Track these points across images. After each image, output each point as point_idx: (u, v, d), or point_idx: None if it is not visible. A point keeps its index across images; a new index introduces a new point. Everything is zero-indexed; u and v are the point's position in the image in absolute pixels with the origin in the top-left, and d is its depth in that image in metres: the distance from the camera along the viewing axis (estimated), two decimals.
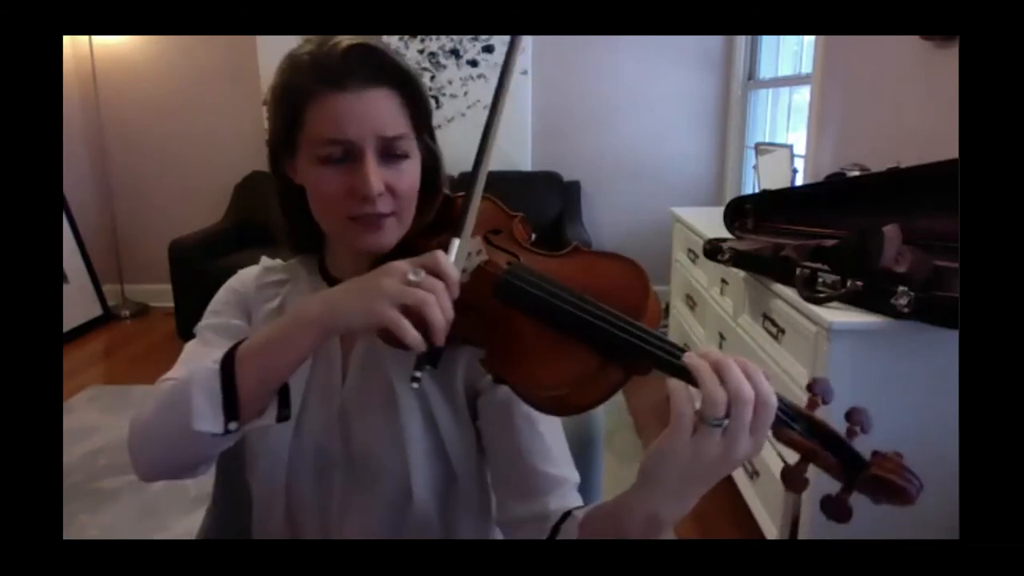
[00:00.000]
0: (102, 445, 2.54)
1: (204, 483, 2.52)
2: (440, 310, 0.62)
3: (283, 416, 0.70)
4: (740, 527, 1.95)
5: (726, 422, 0.54)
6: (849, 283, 1.44)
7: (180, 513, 2.14)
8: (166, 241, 3.36)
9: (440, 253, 0.66)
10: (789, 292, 1.57)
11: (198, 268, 3.30)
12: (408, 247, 0.77)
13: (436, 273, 0.64)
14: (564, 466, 0.79)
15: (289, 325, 0.67)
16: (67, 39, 3.93)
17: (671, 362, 0.59)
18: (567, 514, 0.74)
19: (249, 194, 3.85)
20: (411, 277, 0.63)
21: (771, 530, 1.66)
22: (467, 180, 0.75)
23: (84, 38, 3.80)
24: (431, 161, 0.81)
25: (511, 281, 0.69)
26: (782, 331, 1.65)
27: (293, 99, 0.74)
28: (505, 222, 0.82)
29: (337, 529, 0.84)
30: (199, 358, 0.76)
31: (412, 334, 0.61)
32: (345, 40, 0.72)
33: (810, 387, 0.60)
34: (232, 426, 0.67)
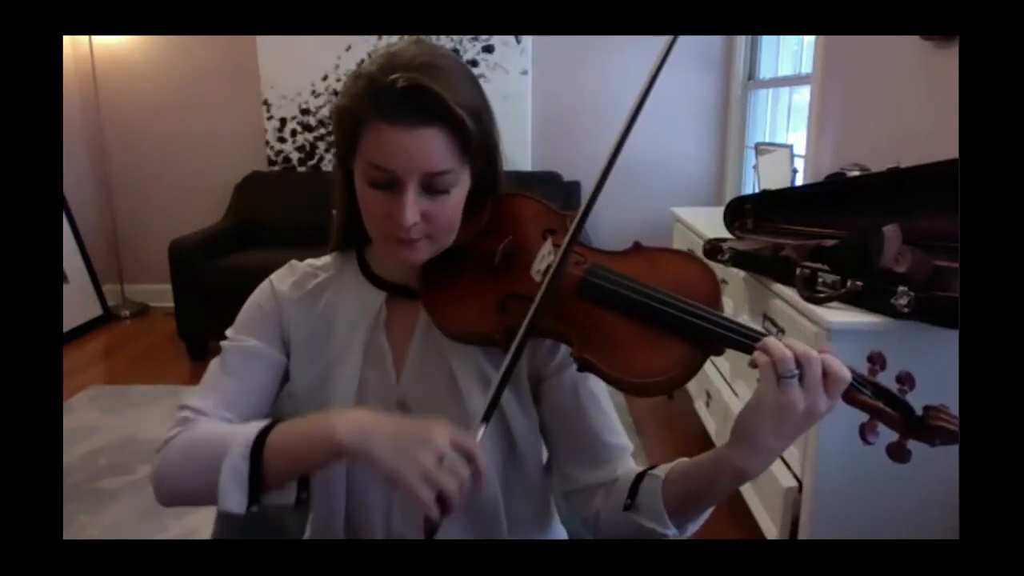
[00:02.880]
0: (102, 445, 2.53)
1: None
2: (459, 496, 0.67)
3: (301, 500, 0.75)
4: (740, 527, 1.95)
5: (798, 372, 0.66)
6: (849, 283, 1.44)
7: (180, 513, 2.13)
8: (166, 241, 3.36)
9: (478, 449, 0.70)
10: (789, 292, 1.57)
11: (198, 268, 3.30)
12: (466, 250, 0.84)
13: (470, 459, 0.69)
14: (622, 435, 0.89)
15: (315, 434, 0.72)
16: (67, 39, 3.93)
17: (749, 344, 0.70)
18: (643, 474, 0.81)
19: (249, 194, 3.85)
20: (446, 462, 0.68)
21: (771, 530, 1.66)
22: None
23: (84, 38, 3.80)
24: (487, 173, 0.85)
25: (595, 281, 0.77)
26: (782, 331, 1.65)
27: (350, 122, 0.78)
28: (557, 221, 0.86)
29: (402, 520, 0.87)
30: (220, 388, 0.85)
31: (433, 511, 0.66)
32: (403, 78, 0.73)
33: (870, 359, 0.72)
34: (253, 509, 0.73)
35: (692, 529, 0.80)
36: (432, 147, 0.75)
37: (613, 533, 0.84)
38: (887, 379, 0.71)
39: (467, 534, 0.87)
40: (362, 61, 0.84)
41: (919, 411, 0.69)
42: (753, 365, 0.69)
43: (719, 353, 0.74)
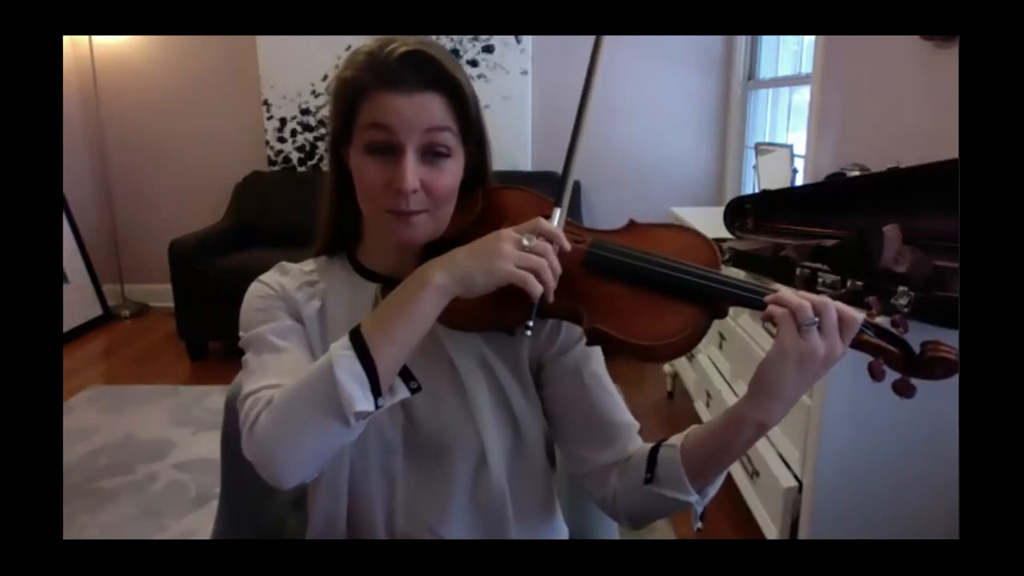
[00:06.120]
0: (102, 445, 2.53)
1: (204, 483, 2.51)
2: (552, 271, 0.71)
3: (415, 388, 0.74)
4: (740, 527, 1.95)
5: (817, 320, 0.68)
6: (849, 283, 1.43)
7: (180, 513, 2.14)
8: (166, 241, 3.36)
9: (541, 219, 0.74)
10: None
11: (198, 268, 3.30)
12: (461, 239, 0.83)
13: (546, 236, 0.72)
14: (628, 414, 0.90)
15: (414, 295, 0.71)
16: (67, 39, 3.93)
17: (756, 299, 0.73)
18: (658, 445, 0.82)
19: (249, 194, 3.84)
20: (525, 243, 0.71)
21: (771, 530, 1.66)
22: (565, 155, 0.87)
23: (84, 38, 3.79)
24: (477, 161, 0.86)
25: (601, 253, 0.79)
26: None
27: (349, 93, 0.79)
28: (549, 209, 0.86)
29: (404, 514, 0.86)
30: (271, 368, 0.78)
31: (538, 287, 0.69)
32: (402, 46, 0.76)
33: (867, 304, 0.75)
34: (381, 402, 0.70)
35: (712, 493, 0.81)
36: (431, 109, 0.77)
37: (632, 509, 0.85)
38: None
39: (476, 523, 0.87)
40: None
41: (917, 348, 0.73)
42: (768, 318, 0.71)
43: (724, 314, 0.76)
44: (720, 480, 0.81)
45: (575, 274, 0.78)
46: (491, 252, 0.70)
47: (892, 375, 0.72)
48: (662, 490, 0.79)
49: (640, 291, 0.76)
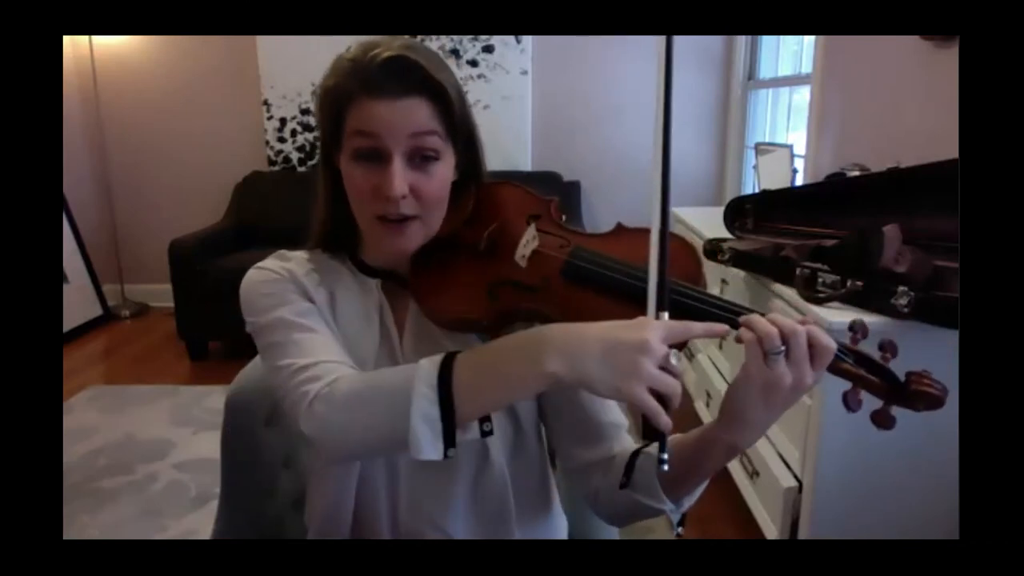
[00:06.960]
0: (102, 445, 2.54)
1: (204, 483, 2.51)
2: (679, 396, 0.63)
3: (487, 432, 0.71)
4: (740, 527, 1.95)
5: (783, 348, 0.65)
6: (849, 283, 1.44)
7: (180, 513, 2.14)
8: (166, 241, 3.36)
9: (695, 325, 0.66)
10: (789, 292, 1.57)
11: (198, 268, 3.30)
12: (453, 239, 0.84)
13: (682, 347, 0.67)
14: (617, 413, 0.89)
15: (521, 370, 0.66)
16: (67, 39, 3.93)
17: (732, 320, 0.70)
18: (637, 452, 0.82)
19: (249, 194, 3.85)
20: (674, 361, 0.63)
21: (771, 530, 1.66)
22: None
23: (84, 38, 3.80)
24: (468, 161, 0.86)
25: (579, 264, 0.78)
26: None
27: (335, 101, 0.78)
28: (541, 207, 0.87)
29: (407, 506, 0.87)
30: (324, 343, 0.78)
31: (666, 420, 0.62)
32: (385, 51, 0.76)
33: (851, 327, 0.72)
34: (451, 452, 0.67)
35: (688, 503, 0.80)
36: (416, 115, 0.76)
37: (612, 509, 0.86)
38: (869, 347, 0.71)
39: (479, 515, 0.88)
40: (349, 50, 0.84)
41: (902, 377, 0.69)
42: (740, 341, 0.68)
43: None
44: (698, 492, 0.80)
45: (554, 281, 0.78)
46: (628, 368, 0.61)
47: (873, 403, 0.69)
48: (637, 496, 0.80)
49: (616, 302, 0.75)
